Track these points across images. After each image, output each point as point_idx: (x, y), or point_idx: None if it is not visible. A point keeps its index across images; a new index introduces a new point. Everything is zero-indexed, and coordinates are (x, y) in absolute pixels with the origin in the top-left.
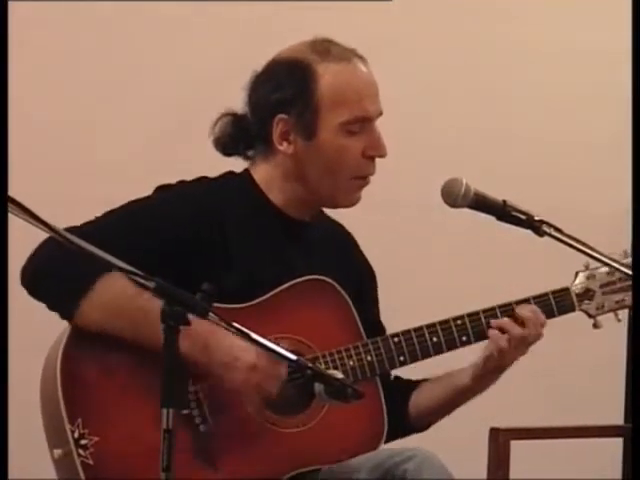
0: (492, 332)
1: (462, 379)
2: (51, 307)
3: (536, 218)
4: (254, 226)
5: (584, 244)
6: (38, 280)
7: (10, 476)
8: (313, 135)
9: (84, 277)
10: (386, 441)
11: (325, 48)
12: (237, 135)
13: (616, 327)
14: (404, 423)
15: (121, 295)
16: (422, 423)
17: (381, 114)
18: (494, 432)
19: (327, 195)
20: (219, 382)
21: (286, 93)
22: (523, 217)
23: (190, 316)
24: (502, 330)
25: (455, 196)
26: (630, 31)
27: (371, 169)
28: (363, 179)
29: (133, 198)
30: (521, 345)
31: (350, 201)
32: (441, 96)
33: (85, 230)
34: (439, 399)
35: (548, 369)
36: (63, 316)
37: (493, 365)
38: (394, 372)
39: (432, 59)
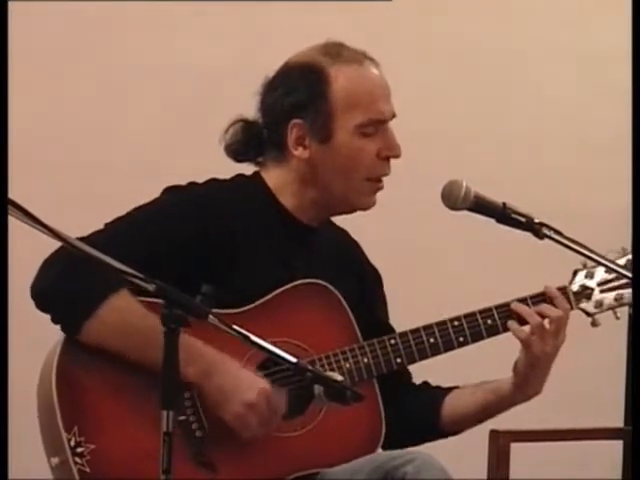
0: (511, 325)
1: (505, 384)
2: (56, 322)
3: (536, 221)
4: (262, 229)
5: (584, 246)
6: (47, 296)
7: (10, 476)
8: (329, 138)
9: (93, 296)
10: (414, 445)
11: (336, 51)
12: (248, 141)
13: (616, 329)
14: (435, 427)
15: (131, 315)
16: (455, 428)
17: (394, 116)
18: (494, 434)
19: (340, 197)
20: (213, 409)
21: (300, 97)
22: (523, 219)
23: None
24: (540, 315)
25: (455, 199)
26: (630, 31)
27: (386, 169)
28: (377, 181)
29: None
30: (554, 332)
31: (366, 204)
32: (440, 97)
33: (94, 239)
34: (479, 404)
35: None
36: (67, 332)
37: (525, 364)
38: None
39: (432, 59)
